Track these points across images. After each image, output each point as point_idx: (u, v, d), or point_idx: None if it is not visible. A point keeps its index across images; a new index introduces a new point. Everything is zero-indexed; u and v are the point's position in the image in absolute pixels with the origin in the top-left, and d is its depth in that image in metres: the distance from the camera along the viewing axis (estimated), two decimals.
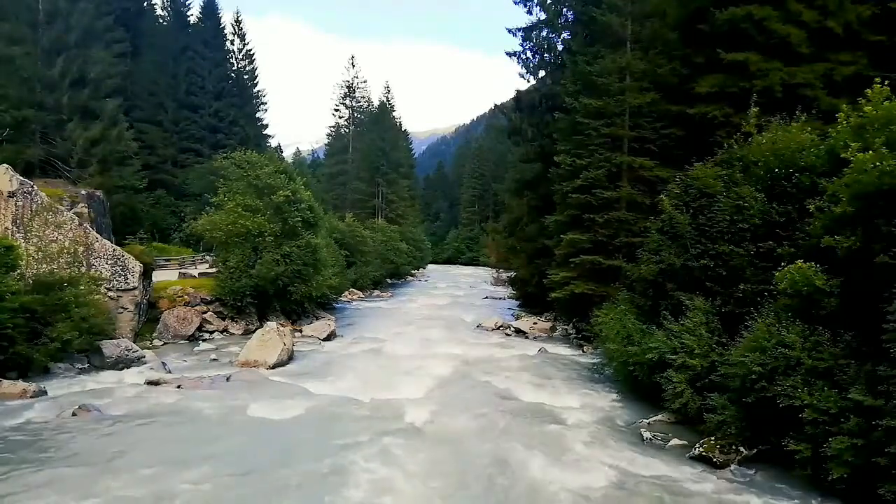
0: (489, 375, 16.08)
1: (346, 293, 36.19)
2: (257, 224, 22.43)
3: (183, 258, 32.98)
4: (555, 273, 21.61)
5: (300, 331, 22.27)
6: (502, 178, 64.11)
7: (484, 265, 68.26)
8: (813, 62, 15.91)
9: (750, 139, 12.99)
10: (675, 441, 10.68)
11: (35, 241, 17.10)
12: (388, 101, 70.55)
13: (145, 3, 48.94)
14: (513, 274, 34.23)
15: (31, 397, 12.23)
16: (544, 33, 28.85)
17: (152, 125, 42.70)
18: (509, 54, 29.21)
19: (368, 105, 69.52)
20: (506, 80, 42.44)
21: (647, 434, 11.14)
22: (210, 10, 49.07)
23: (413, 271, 62.78)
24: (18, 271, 14.98)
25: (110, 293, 18.11)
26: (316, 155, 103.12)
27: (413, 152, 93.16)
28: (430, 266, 77.26)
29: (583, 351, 20.03)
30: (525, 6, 28.57)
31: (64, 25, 29.16)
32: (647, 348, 12.27)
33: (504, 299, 37.81)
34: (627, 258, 17.12)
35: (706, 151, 14.24)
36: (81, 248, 17.87)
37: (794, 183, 11.23)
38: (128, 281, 18.53)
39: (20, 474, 8.46)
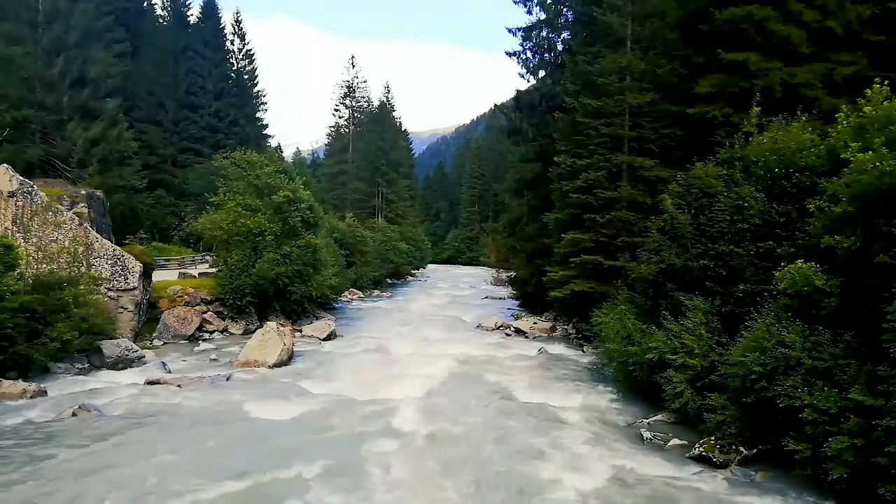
0: (489, 375, 16.09)
1: (346, 293, 36.19)
2: (257, 223, 22.44)
3: (183, 258, 32.96)
4: (554, 272, 21.59)
5: (300, 331, 22.27)
6: (502, 178, 64.06)
7: (484, 265, 68.21)
8: (813, 62, 15.88)
9: (750, 139, 13.00)
10: (675, 441, 10.68)
11: (35, 240, 17.12)
12: (388, 101, 70.49)
13: (145, 3, 48.87)
14: (513, 274, 34.21)
15: (31, 397, 12.24)
16: (544, 33, 28.81)
17: (152, 125, 42.65)
18: (509, 54, 29.22)
19: (368, 105, 69.48)
20: (506, 80, 42.51)
21: (647, 434, 11.14)
22: (210, 10, 49.00)
23: (413, 271, 62.73)
24: (18, 271, 14.98)
25: (110, 293, 18.12)
26: (316, 155, 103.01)
27: (413, 152, 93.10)
28: (430, 266, 77.23)
29: (583, 351, 20.02)
30: (525, 6, 28.56)
31: (64, 25, 29.12)
32: (647, 348, 12.27)
33: (504, 299, 37.79)
34: (628, 257, 17.12)
35: (706, 151, 14.23)
36: (81, 248, 17.89)
37: (794, 183, 11.23)
38: (128, 281, 18.53)
39: (20, 474, 8.46)
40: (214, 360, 17.29)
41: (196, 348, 19.04)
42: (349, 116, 68.08)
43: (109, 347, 15.71)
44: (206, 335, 20.82)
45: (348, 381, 14.82)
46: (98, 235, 18.99)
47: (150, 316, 20.21)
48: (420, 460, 9.66)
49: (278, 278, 22.25)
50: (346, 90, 67.41)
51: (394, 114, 72.67)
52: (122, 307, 18.36)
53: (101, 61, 31.19)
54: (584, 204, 20.13)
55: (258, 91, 52.91)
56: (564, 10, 28.07)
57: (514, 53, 29.17)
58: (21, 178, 17.68)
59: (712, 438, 10.00)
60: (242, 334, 21.17)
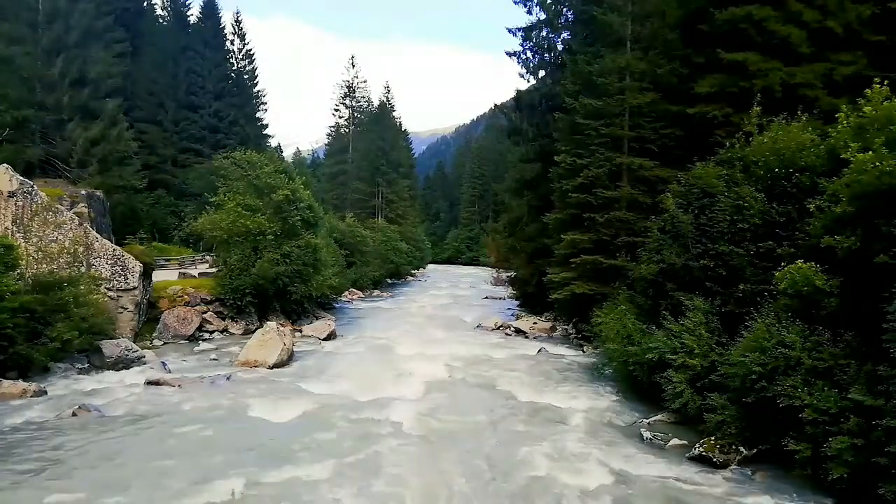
0: (489, 375, 16.09)
1: (346, 293, 36.20)
2: (257, 223, 22.44)
3: (183, 258, 32.97)
4: (555, 273, 21.58)
5: (300, 331, 22.28)
6: (502, 178, 64.05)
7: (484, 265, 68.20)
8: (813, 62, 15.88)
9: (750, 139, 13.00)
10: (674, 441, 10.67)
11: (35, 241, 17.10)
12: (388, 101, 70.47)
13: (145, 3, 48.91)
14: (513, 274, 34.22)
15: (31, 397, 12.24)
16: (544, 33, 28.82)
17: (152, 125, 42.68)
18: (509, 54, 29.23)
19: (368, 105, 69.47)
20: (506, 80, 42.64)
21: (647, 434, 11.14)
22: (210, 10, 49.02)
23: (413, 271, 62.76)
24: (18, 271, 14.97)
25: (110, 293, 18.11)
26: (316, 155, 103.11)
27: (413, 152, 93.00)
28: (430, 266, 77.27)
29: (583, 351, 20.02)
30: (525, 6, 28.55)
31: (64, 25, 29.12)
32: (647, 348, 12.27)
33: (504, 299, 37.79)
34: (628, 257, 17.13)
35: (706, 151, 14.24)
36: (81, 248, 17.88)
37: (794, 183, 11.24)
38: (128, 281, 18.53)
39: (20, 474, 8.46)
40: (214, 360, 17.29)
41: (196, 348, 19.03)
42: (349, 116, 68.09)
43: (109, 347, 15.70)
44: (206, 335, 20.82)
45: (348, 381, 14.81)
46: (98, 235, 18.99)
47: (150, 316, 20.20)
48: (421, 459, 9.66)
49: (278, 278, 22.25)
50: (346, 90, 67.46)
51: (394, 114, 72.67)
52: (122, 307, 18.35)
53: (101, 61, 31.21)
54: (583, 203, 20.12)
55: (258, 91, 52.97)
56: (564, 10, 28.08)
57: (514, 53, 29.20)
58: (21, 178, 17.67)
59: (712, 438, 10.00)
60: (242, 334, 21.16)
